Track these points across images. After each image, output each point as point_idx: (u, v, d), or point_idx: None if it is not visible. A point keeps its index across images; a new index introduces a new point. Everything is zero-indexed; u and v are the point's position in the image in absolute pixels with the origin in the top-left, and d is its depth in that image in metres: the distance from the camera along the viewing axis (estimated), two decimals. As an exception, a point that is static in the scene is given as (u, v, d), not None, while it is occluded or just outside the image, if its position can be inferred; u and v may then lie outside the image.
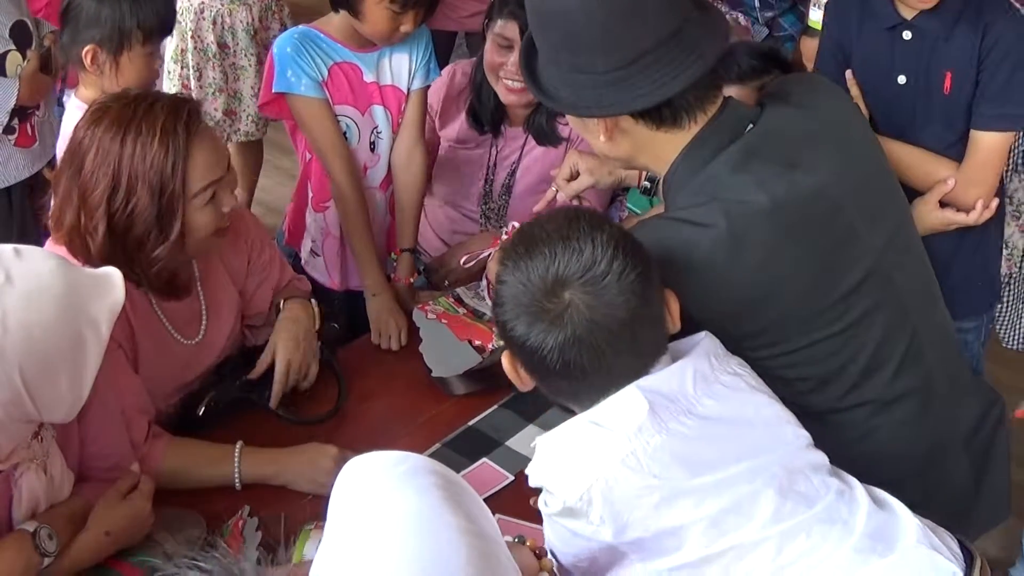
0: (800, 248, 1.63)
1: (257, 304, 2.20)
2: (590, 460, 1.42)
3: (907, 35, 2.19)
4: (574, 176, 2.35)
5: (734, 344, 1.61)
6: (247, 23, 3.78)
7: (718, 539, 1.41)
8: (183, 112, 1.84)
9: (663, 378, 1.46)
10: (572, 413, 1.51)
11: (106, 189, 1.79)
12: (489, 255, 2.38)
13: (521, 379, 1.54)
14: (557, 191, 2.38)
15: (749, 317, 1.63)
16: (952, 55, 2.16)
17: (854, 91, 2.29)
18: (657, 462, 1.40)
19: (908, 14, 2.18)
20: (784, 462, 1.46)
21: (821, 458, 1.51)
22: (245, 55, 3.81)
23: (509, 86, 2.48)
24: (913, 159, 2.23)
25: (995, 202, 2.25)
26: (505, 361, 1.55)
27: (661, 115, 1.65)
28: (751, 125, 1.69)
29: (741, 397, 1.50)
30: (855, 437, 1.71)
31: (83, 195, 1.80)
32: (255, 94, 3.92)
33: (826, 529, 1.43)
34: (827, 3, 2.36)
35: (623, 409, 1.43)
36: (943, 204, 2.24)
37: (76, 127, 1.86)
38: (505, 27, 2.42)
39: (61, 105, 2.76)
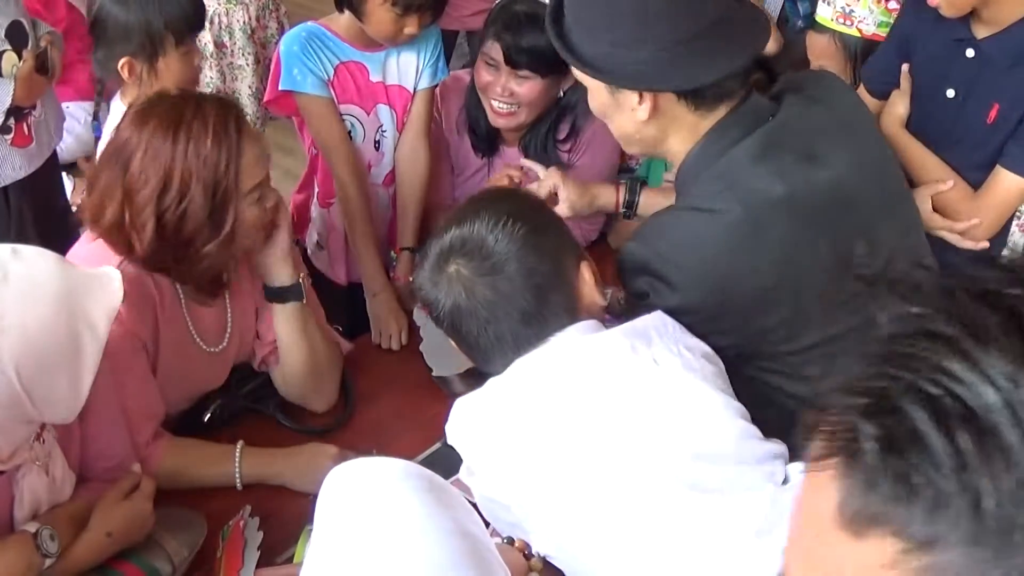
0: (816, 239, 1.62)
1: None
2: (486, 420, 1.48)
3: (970, 53, 2.17)
4: (552, 196, 2.25)
5: (755, 338, 1.61)
6: (244, 22, 3.77)
7: (601, 512, 1.42)
8: (232, 111, 1.83)
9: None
10: None
11: (156, 188, 1.76)
12: None
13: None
14: None
15: (767, 308, 1.62)
16: (1005, 88, 2.15)
17: (904, 85, 2.29)
18: (536, 431, 1.43)
19: (980, 33, 2.16)
20: (696, 448, 1.44)
21: (751, 448, 1.47)
22: (243, 54, 3.81)
23: (496, 108, 2.43)
24: (923, 160, 2.24)
25: (983, 244, 2.24)
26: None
27: (705, 95, 1.65)
28: (770, 117, 1.69)
29: (664, 378, 1.48)
30: None
31: (129, 193, 1.77)
32: (252, 93, 3.92)
33: (724, 518, 1.40)
34: None
35: (523, 372, 1.48)
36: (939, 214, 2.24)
37: (119, 127, 1.83)
38: (492, 48, 2.38)
39: (96, 119, 2.74)
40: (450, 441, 1.54)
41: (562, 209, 2.24)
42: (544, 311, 1.51)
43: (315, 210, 2.63)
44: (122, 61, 2.31)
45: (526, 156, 2.54)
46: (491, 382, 1.52)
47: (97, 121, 2.96)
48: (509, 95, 2.40)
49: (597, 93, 1.72)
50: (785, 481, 1.47)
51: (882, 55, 2.39)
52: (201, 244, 1.81)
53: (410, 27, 2.32)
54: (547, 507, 1.45)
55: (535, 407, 1.45)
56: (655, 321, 1.54)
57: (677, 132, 1.70)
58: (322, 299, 2.21)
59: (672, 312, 1.58)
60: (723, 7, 1.64)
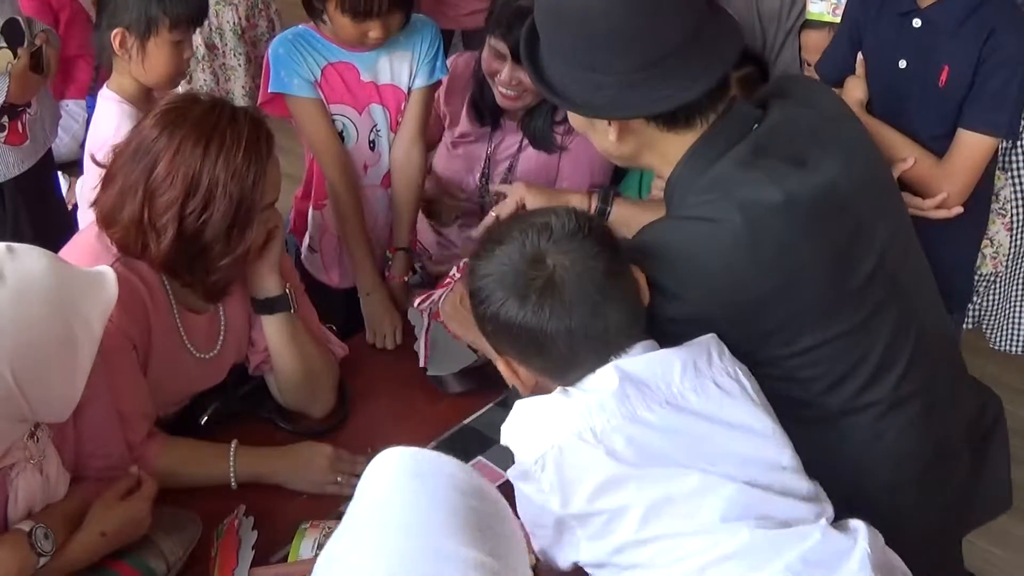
0: (813, 242, 1.63)
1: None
2: (550, 426, 1.47)
3: (917, 22, 2.22)
4: (521, 208, 2.24)
5: (753, 343, 1.62)
6: (234, 23, 3.77)
7: (651, 525, 1.43)
8: (264, 128, 1.83)
9: (645, 362, 1.49)
10: None
11: (181, 192, 1.75)
12: (441, 295, 2.28)
13: (521, 379, 1.57)
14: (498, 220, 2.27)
15: (765, 313, 1.63)
16: (954, 50, 2.19)
17: (859, 71, 2.32)
18: (611, 443, 1.43)
19: (924, 2, 2.21)
20: (751, 474, 1.46)
21: (799, 484, 1.50)
22: (234, 55, 3.81)
23: (504, 93, 2.48)
24: (887, 139, 2.26)
25: (957, 209, 2.26)
26: (501, 367, 1.59)
27: (675, 117, 1.65)
28: (756, 124, 1.69)
29: (730, 401, 1.50)
30: (864, 440, 1.71)
31: (152, 194, 1.76)
32: (246, 93, 3.91)
33: (770, 543, 1.42)
34: None
35: (594, 384, 1.47)
36: (909, 190, 2.25)
37: (142, 125, 1.82)
38: (498, 44, 2.42)
39: (94, 95, 2.73)
40: (504, 441, 1.53)
41: None
42: (636, 302, 1.53)
43: (309, 212, 2.63)
44: (115, 31, 2.33)
45: (524, 134, 2.60)
46: (558, 391, 1.50)
47: (91, 96, 2.95)
48: (516, 84, 2.44)
49: (571, 112, 1.75)
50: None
51: (835, 43, 2.44)
52: (216, 257, 1.81)
53: (373, 31, 2.33)
54: (599, 521, 1.44)
55: (603, 422, 1.44)
56: (714, 343, 1.55)
57: (654, 149, 1.71)
58: (315, 301, 2.21)
59: (671, 320, 1.58)
60: (691, 24, 1.62)
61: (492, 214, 2.28)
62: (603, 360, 1.49)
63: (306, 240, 2.66)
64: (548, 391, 1.56)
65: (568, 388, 1.49)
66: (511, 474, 1.52)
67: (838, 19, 2.47)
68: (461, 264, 2.34)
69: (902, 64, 2.27)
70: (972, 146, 2.23)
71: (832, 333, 1.65)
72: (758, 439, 1.50)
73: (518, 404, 1.53)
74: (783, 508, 1.46)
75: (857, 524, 1.49)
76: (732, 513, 1.42)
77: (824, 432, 1.62)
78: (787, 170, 1.63)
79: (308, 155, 2.59)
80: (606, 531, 1.45)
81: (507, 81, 2.44)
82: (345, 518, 1.13)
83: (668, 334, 1.56)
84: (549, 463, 1.45)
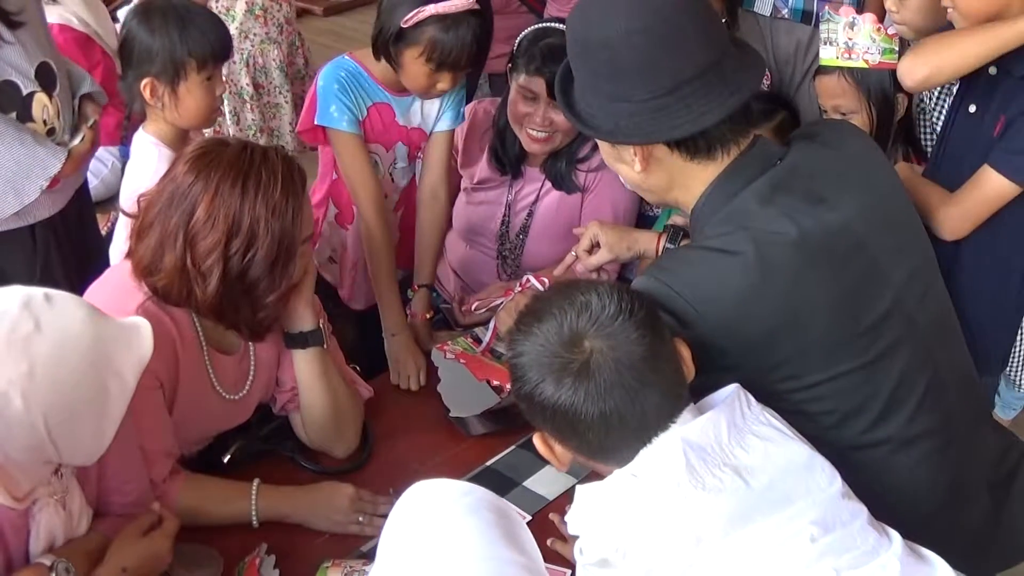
0: (825, 280, 1.64)
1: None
2: (628, 513, 1.43)
3: (992, 70, 2.22)
4: (593, 246, 2.34)
5: (759, 376, 1.61)
6: (279, 60, 3.81)
7: None
8: (294, 163, 1.85)
9: (698, 428, 1.46)
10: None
11: (224, 234, 1.75)
12: (500, 304, 2.39)
13: (557, 456, 1.56)
14: (576, 258, 2.37)
15: (774, 346, 1.63)
16: (1014, 103, 2.18)
17: None
18: (694, 518, 1.40)
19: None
20: (818, 509, 1.44)
21: (858, 506, 1.49)
22: (280, 92, 3.84)
23: (534, 136, 2.50)
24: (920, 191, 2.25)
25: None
26: (538, 442, 1.57)
27: (696, 145, 1.68)
28: (778, 161, 1.71)
29: (773, 447, 1.49)
30: (874, 475, 1.70)
31: (193, 239, 1.76)
32: (292, 130, 3.96)
33: None
34: None
35: (661, 462, 1.44)
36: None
37: (176, 172, 1.81)
38: (531, 82, 2.44)
39: (126, 144, 2.73)
40: (572, 531, 1.50)
41: (602, 254, 2.31)
42: (675, 381, 1.50)
43: (328, 227, 2.69)
44: (144, 81, 2.35)
45: (547, 176, 2.63)
46: (626, 474, 1.46)
47: (125, 145, 2.95)
48: (548, 124, 2.47)
49: (601, 144, 1.79)
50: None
51: None
52: (262, 293, 1.82)
53: (443, 83, 2.38)
54: None
55: (680, 500, 1.41)
56: (741, 395, 1.53)
57: (679, 180, 1.73)
58: (336, 327, 2.21)
59: None
60: (712, 56, 1.65)
61: (572, 253, 2.37)
62: (641, 442, 1.46)
63: (326, 253, 2.71)
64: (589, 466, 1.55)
65: (637, 473, 1.45)
66: (579, 559, 1.48)
67: (849, 63, 2.48)
68: (524, 279, 2.43)
69: (971, 109, 2.26)
70: (990, 185, 2.19)
71: (840, 370, 1.65)
72: (807, 472, 1.48)
73: (581, 490, 1.49)
74: (860, 535, 1.44)
75: (925, 551, 1.49)
76: (815, 555, 1.40)
77: (835, 464, 1.62)
78: (804, 207, 1.65)
79: (330, 176, 2.64)
80: None
81: (540, 122, 2.46)
82: (392, 549, 1.20)
83: None
84: (631, 549, 1.41)
